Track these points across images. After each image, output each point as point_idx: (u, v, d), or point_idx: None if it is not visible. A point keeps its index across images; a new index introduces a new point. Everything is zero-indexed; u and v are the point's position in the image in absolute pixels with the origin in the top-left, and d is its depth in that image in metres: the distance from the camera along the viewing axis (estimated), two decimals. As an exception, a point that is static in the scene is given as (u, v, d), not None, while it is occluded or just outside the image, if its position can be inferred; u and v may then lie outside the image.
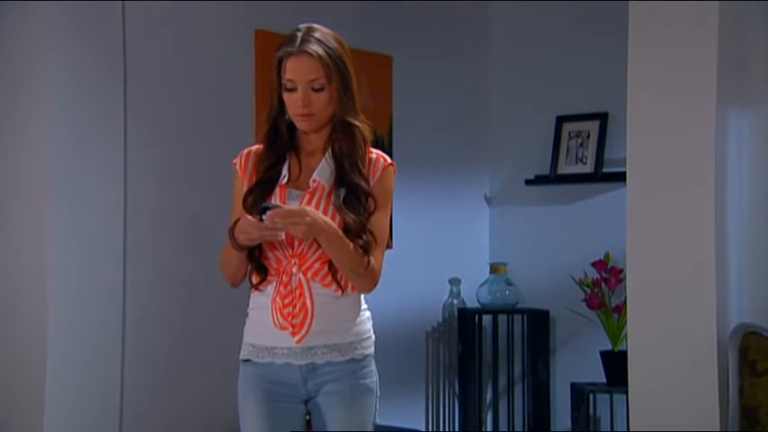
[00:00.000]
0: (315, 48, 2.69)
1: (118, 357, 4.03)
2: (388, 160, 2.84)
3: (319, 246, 2.71)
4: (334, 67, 2.71)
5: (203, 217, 4.31)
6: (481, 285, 5.44)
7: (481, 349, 5.38)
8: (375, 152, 2.84)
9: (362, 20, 4.97)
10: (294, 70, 2.71)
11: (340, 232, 2.68)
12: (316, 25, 2.77)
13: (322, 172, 2.77)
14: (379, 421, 2.86)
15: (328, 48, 2.71)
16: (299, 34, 2.73)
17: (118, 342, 4.04)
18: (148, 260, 4.16)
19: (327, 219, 2.67)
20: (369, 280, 2.76)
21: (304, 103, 2.71)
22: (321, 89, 2.72)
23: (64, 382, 3.85)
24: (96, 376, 3.97)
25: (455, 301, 5.49)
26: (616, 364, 4.80)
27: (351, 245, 2.69)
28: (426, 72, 5.41)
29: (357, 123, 2.78)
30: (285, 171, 2.78)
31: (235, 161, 2.87)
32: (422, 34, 5.38)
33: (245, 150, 2.87)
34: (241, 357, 2.84)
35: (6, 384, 3.96)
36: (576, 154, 5.43)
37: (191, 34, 4.36)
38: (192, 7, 4.34)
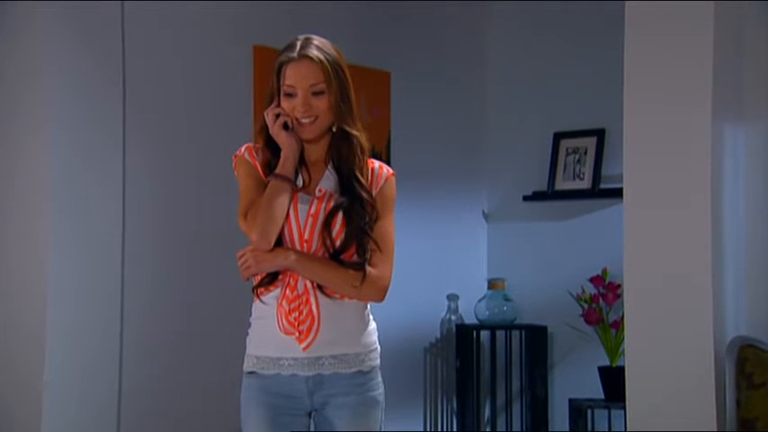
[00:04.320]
0: (315, 53, 2.74)
1: (116, 364, 4.05)
2: (390, 170, 2.89)
3: (326, 251, 2.75)
4: (333, 73, 2.75)
5: (201, 225, 4.35)
6: (479, 301, 5.45)
7: (479, 365, 5.38)
8: (377, 162, 2.88)
9: (361, 36, 5.00)
10: (294, 75, 2.74)
11: (313, 262, 2.73)
12: (313, 35, 2.81)
13: (327, 182, 2.81)
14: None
15: (327, 54, 2.76)
16: (299, 42, 2.77)
17: (116, 349, 4.06)
18: (147, 267, 4.19)
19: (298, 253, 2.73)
20: (373, 290, 2.78)
21: (305, 108, 2.75)
22: (321, 93, 2.75)
23: (62, 389, 3.86)
24: (94, 383, 3.98)
25: (453, 317, 5.50)
26: (614, 380, 4.80)
27: (333, 269, 2.73)
28: (424, 88, 5.44)
29: (355, 132, 2.81)
30: (300, 176, 2.81)
31: (240, 153, 2.85)
32: (420, 51, 5.42)
33: (252, 145, 2.87)
34: (245, 369, 2.83)
35: (4, 392, 3.96)
36: (574, 170, 5.45)
37: (190, 48, 4.39)
38: (192, 22, 4.38)
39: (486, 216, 5.77)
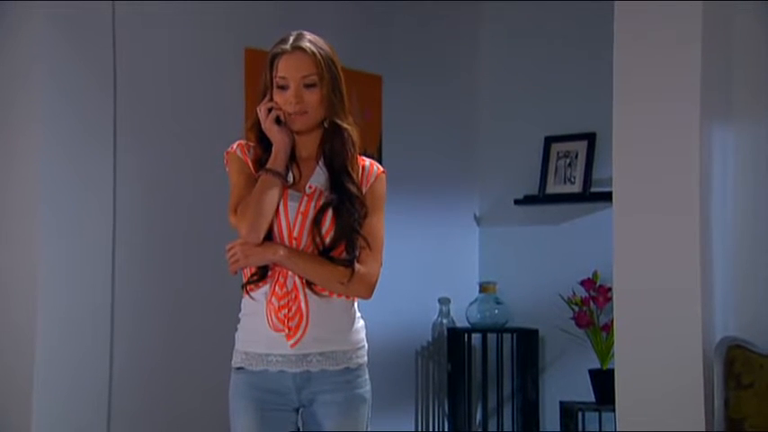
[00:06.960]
0: (308, 45, 2.77)
1: (107, 361, 4.06)
2: (381, 168, 2.90)
3: (316, 248, 2.76)
4: (326, 65, 2.77)
5: (192, 228, 4.35)
6: (471, 304, 5.46)
7: (471, 368, 5.39)
8: (367, 160, 2.89)
9: (352, 39, 5.01)
10: (287, 67, 2.77)
11: (302, 257, 2.74)
12: (306, 32, 2.83)
13: (317, 178, 2.82)
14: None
15: (320, 48, 2.79)
16: (292, 36, 2.81)
17: (107, 345, 4.06)
18: (137, 271, 4.19)
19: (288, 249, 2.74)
20: (361, 287, 2.79)
21: (297, 99, 2.77)
22: (313, 85, 2.77)
23: (52, 386, 3.87)
24: (85, 380, 3.99)
25: (445, 321, 5.51)
26: (605, 383, 4.81)
27: (321, 265, 2.74)
28: (415, 92, 5.45)
29: (346, 126, 2.82)
30: (290, 173, 2.82)
31: (232, 149, 2.86)
32: (411, 54, 5.43)
33: (243, 143, 2.89)
34: (233, 365, 2.85)
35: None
36: (565, 174, 5.47)
37: (181, 51, 4.40)
38: (183, 25, 4.39)
39: (477, 219, 5.78)
